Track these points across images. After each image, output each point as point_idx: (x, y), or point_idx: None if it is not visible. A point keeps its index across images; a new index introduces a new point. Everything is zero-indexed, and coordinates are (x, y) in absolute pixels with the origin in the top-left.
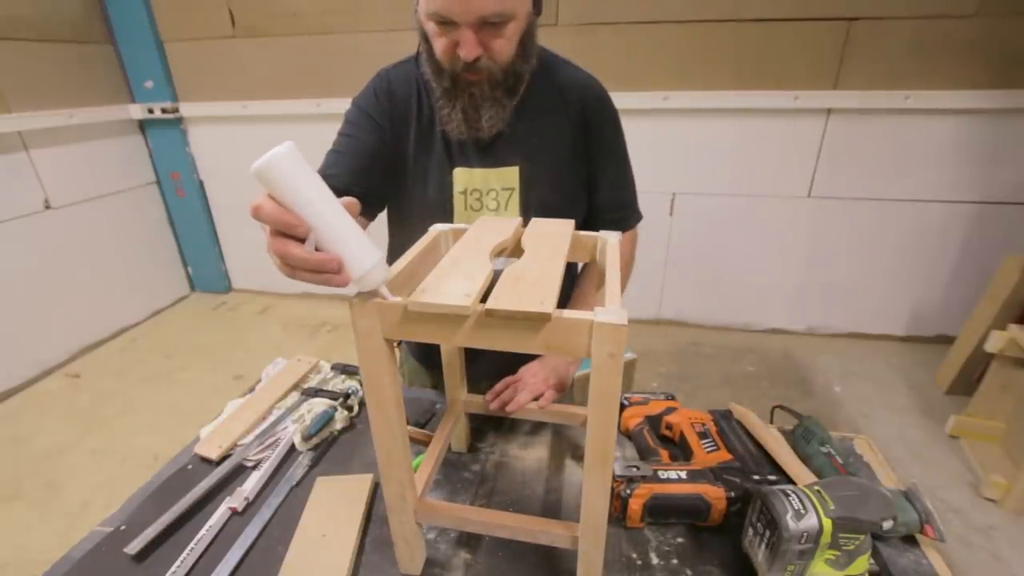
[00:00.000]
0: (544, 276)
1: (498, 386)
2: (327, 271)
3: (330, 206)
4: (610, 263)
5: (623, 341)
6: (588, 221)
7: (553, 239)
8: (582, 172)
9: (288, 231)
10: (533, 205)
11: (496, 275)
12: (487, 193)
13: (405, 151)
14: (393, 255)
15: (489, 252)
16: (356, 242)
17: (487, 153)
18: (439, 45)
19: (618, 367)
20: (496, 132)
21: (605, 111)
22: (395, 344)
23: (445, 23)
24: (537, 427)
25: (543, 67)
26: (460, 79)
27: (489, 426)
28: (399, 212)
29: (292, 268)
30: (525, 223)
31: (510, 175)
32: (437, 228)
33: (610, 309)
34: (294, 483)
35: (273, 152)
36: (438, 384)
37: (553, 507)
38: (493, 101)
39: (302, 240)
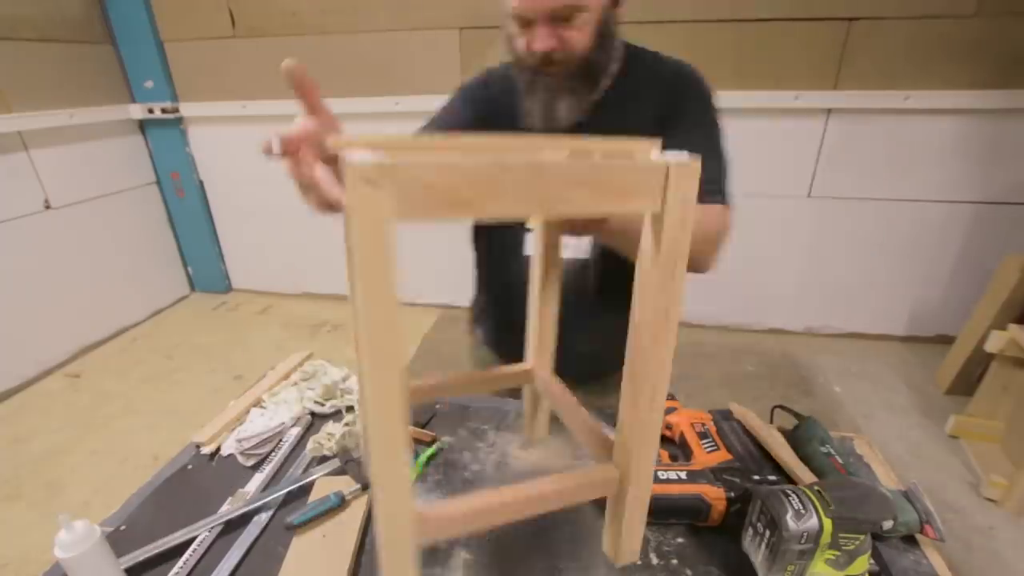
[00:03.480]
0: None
1: None
2: None
3: None
4: None
5: (696, 183)
6: None
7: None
8: None
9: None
10: None
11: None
12: None
13: None
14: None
15: None
16: None
17: None
18: (520, 43)
19: (691, 215)
20: (574, 123)
21: (695, 89)
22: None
23: (523, 21)
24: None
25: (633, 61)
26: (539, 73)
27: (490, 426)
28: None
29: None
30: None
31: None
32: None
33: (672, 152)
34: (294, 483)
35: None
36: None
37: None
38: (570, 92)
39: None
